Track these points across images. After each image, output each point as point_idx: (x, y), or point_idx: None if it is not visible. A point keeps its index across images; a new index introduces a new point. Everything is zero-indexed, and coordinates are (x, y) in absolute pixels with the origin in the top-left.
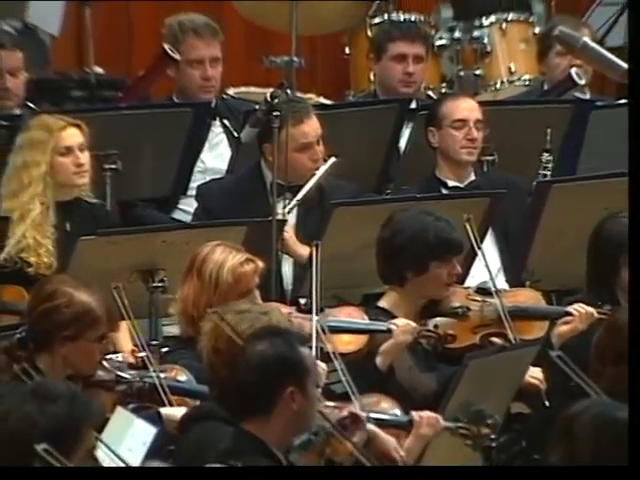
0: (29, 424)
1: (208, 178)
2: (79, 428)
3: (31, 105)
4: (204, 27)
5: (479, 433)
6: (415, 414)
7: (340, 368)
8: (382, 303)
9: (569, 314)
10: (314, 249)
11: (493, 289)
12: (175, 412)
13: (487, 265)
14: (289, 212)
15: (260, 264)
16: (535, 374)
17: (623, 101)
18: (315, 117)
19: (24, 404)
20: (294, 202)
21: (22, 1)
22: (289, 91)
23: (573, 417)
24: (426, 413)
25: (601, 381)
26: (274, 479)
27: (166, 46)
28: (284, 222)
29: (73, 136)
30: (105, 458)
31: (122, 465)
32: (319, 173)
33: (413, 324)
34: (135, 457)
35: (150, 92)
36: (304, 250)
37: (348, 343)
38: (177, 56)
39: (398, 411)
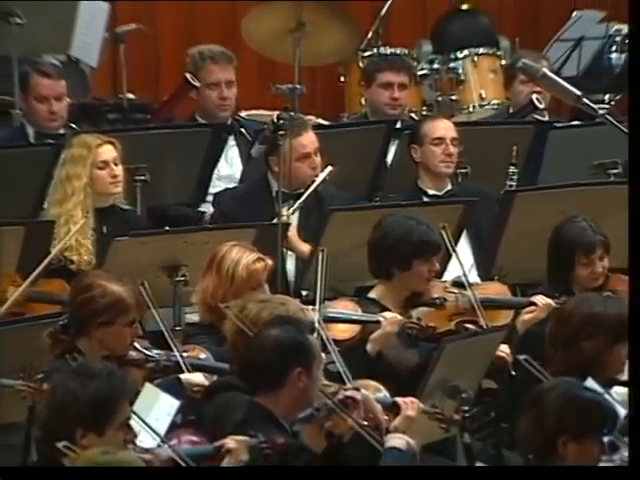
0: (72, 398)
1: (223, 184)
2: (115, 402)
3: (73, 126)
4: (220, 55)
5: (452, 419)
6: (401, 400)
7: (335, 352)
8: (372, 294)
9: (532, 304)
10: (320, 254)
11: (466, 283)
12: (192, 377)
13: (461, 263)
14: (292, 213)
15: (269, 262)
16: (503, 349)
17: (577, 122)
18: (312, 131)
19: (68, 381)
20: (296, 205)
21: (67, 37)
22: (292, 113)
23: (543, 392)
24: (410, 399)
25: (554, 363)
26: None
27: (188, 75)
28: (288, 225)
29: (108, 152)
30: (137, 427)
31: (151, 434)
32: (318, 180)
33: (399, 317)
34: (161, 426)
35: (174, 113)
36: (305, 247)
37: (344, 331)
38: (197, 83)
39: (383, 394)
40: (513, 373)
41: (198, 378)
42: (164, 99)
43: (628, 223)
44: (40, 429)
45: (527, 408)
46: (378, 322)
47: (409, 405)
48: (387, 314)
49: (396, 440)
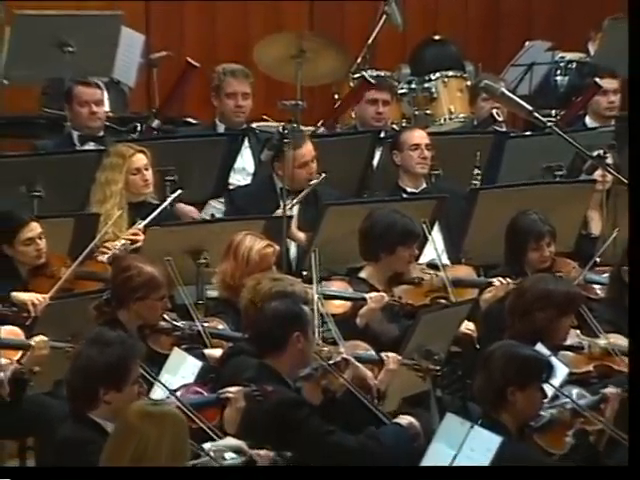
0: (93, 363)
1: (238, 175)
2: (129, 363)
3: (113, 125)
4: (239, 71)
5: (427, 368)
6: (384, 354)
7: (331, 321)
8: (362, 274)
9: (492, 284)
10: (312, 254)
11: (439, 265)
12: (213, 352)
13: (435, 248)
14: (291, 208)
15: (277, 248)
16: (469, 326)
17: (529, 132)
18: (310, 143)
19: (88, 349)
20: (296, 201)
21: (110, 63)
22: (295, 125)
23: (490, 353)
24: (392, 354)
25: (512, 330)
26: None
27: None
28: (291, 217)
29: (140, 160)
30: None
31: (165, 390)
32: (313, 184)
33: (383, 295)
34: (186, 381)
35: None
36: (302, 236)
37: (337, 307)
38: (197, 64)
39: (370, 352)
40: (477, 346)
41: (218, 353)
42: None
43: (628, 222)
44: (67, 390)
45: (479, 369)
46: (365, 300)
47: (391, 359)
48: (373, 293)
49: (402, 419)
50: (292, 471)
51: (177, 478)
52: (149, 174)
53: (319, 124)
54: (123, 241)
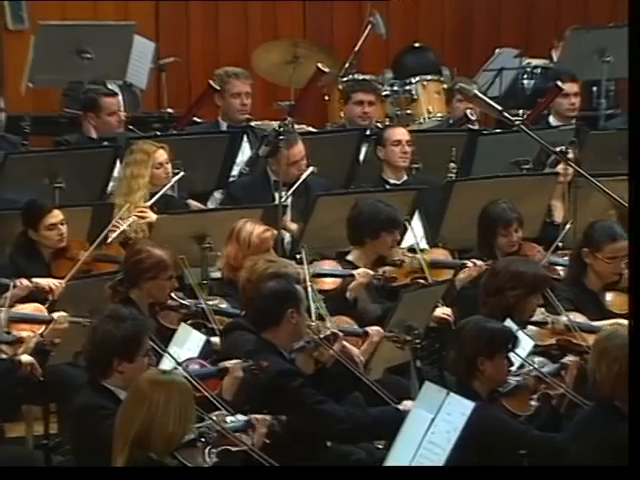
0: (109, 336)
1: (237, 167)
2: (140, 337)
3: (131, 127)
4: (241, 73)
5: (404, 340)
6: (368, 328)
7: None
8: (349, 257)
9: (466, 265)
10: (303, 252)
11: (418, 249)
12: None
13: (414, 234)
14: (284, 200)
15: (275, 232)
16: (446, 311)
17: (499, 130)
18: (301, 143)
19: (104, 324)
20: (289, 193)
21: (123, 67)
22: (289, 124)
23: (462, 327)
24: (375, 327)
25: (486, 306)
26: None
27: (211, 82)
28: (286, 207)
29: (162, 155)
30: (165, 360)
31: (172, 362)
32: (302, 177)
33: (369, 271)
34: (192, 354)
35: (199, 113)
36: (294, 227)
37: (329, 283)
38: (218, 87)
39: (355, 327)
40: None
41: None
42: (192, 102)
43: (628, 221)
44: (85, 360)
45: (452, 342)
46: (353, 276)
47: (374, 332)
48: (360, 270)
49: (402, 404)
50: (292, 471)
51: (180, 478)
52: (169, 167)
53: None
54: (133, 218)
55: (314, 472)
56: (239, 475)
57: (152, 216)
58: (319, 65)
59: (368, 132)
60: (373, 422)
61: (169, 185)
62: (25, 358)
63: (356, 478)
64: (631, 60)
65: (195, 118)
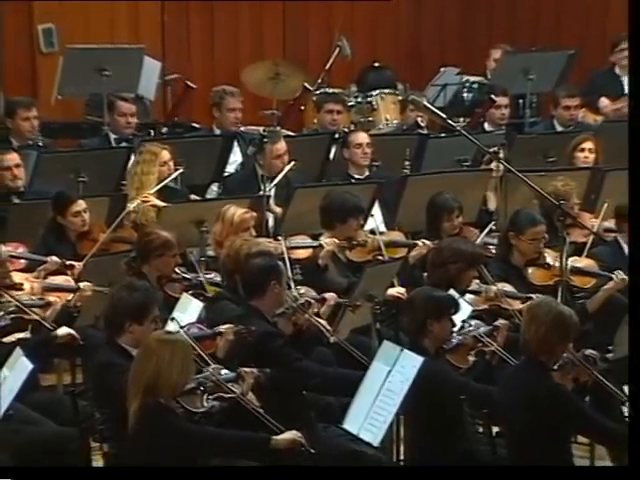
0: (124, 302)
1: (230, 166)
2: (150, 304)
3: (139, 134)
4: (235, 92)
5: (355, 304)
6: (326, 294)
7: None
8: (321, 239)
9: (417, 245)
10: (282, 241)
11: (378, 231)
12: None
13: (375, 220)
14: (269, 190)
15: (254, 214)
16: (400, 290)
17: (443, 134)
18: (283, 141)
19: (121, 292)
20: (272, 184)
21: (135, 82)
22: (272, 128)
23: (413, 295)
24: (330, 294)
25: (431, 278)
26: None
27: (187, 81)
28: (269, 197)
29: (166, 155)
30: (170, 324)
31: (176, 326)
32: (284, 171)
33: (336, 240)
34: (192, 318)
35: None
36: (278, 210)
37: (303, 253)
38: (194, 86)
39: (315, 294)
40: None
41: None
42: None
43: (628, 220)
44: (104, 322)
45: (404, 308)
46: (322, 245)
47: (330, 297)
48: (328, 240)
49: None
50: (292, 471)
51: (181, 478)
52: (172, 165)
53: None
54: (137, 202)
55: (315, 472)
56: (239, 475)
57: (155, 201)
58: (305, 84)
59: (337, 136)
60: (341, 377)
61: (170, 178)
62: (62, 331)
63: (357, 478)
64: (631, 58)
65: (194, 124)
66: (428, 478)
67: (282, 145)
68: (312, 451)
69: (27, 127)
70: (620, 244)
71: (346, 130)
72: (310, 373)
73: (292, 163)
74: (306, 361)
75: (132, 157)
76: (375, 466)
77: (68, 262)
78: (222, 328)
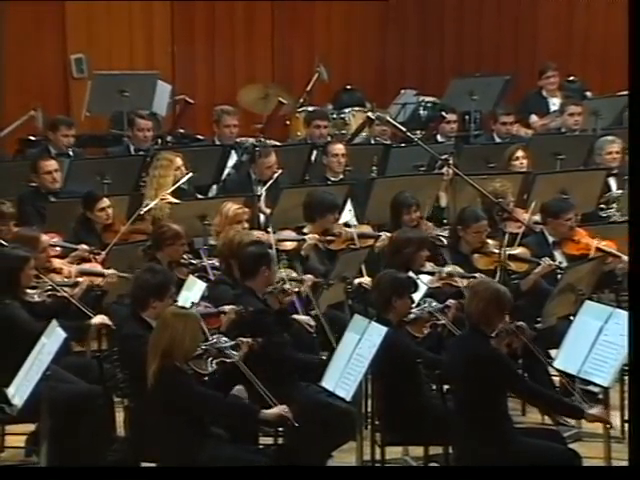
0: (147, 282)
1: (228, 170)
2: (168, 284)
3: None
4: (232, 111)
5: (329, 284)
6: (304, 276)
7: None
8: (304, 230)
9: (381, 236)
10: (270, 233)
11: (351, 225)
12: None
13: (348, 215)
14: (260, 194)
15: (247, 210)
16: (366, 280)
17: (403, 144)
18: (273, 154)
19: (144, 274)
20: (264, 188)
21: (150, 101)
22: (263, 140)
23: (380, 276)
24: (308, 275)
25: (389, 262)
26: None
27: (186, 97)
28: (260, 196)
29: (179, 162)
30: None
31: (187, 303)
32: (274, 178)
33: (317, 235)
34: (195, 298)
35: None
36: (267, 210)
37: (289, 245)
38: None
39: (294, 275)
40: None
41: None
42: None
43: (628, 219)
44: (130, 298)
45: (373, 287)
46: (304, 240)
47: (307, 279)
48: (310, 235)
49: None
50: (292, 471)
51: (181, 478)
52: (184, 170)
53: None
54: (156, 200)
55: (316, 472)
56: (240, 475)
57: (170, 199)
58: (280, 99)
59: (316, 144)
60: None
61: (183, 180)
62: (96, 320)
63: (358, 478)
64: (632, 58)
65: (199, 136)
66: (428, 478)
67: (272, 158)
68: (296, 424)
69: (65, 142)
70: (544, 234)
71: (325, 141)
72: (294, 344)
73: (280, 171)
74: (286, 335)
75: (150, 162)
76: (347, 418)
77: (95, 250)
78: (226, 308)
